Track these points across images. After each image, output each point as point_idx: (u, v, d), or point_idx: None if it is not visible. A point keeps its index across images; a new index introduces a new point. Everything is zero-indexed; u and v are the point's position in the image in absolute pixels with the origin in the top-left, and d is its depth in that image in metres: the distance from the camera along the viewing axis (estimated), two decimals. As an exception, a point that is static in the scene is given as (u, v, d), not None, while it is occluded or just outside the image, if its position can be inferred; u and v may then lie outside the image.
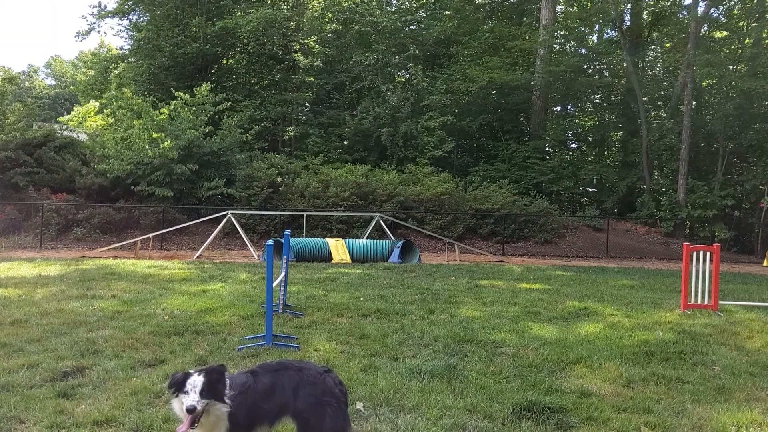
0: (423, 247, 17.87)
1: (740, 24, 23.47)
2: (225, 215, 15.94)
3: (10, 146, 18.55)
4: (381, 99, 23.47)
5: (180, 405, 3.01)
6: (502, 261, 16.22)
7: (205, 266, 12.39)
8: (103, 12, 25.33)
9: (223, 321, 7.00)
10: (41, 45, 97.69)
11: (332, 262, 14.06)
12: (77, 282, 9.67)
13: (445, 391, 4.77)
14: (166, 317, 7.08)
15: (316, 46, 24.93)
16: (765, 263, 18.24)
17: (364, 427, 4.03)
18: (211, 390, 2.99)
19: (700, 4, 22.67)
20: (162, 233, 16.40)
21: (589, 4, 27.15)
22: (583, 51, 27.03)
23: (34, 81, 56.89)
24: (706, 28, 23.63)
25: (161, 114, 18.99)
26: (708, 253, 8.66)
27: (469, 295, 9.58)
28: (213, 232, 16.18)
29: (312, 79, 24.49)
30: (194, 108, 19.55)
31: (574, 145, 28.86)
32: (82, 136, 23.52)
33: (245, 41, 23.13)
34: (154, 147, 17.80)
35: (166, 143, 17.56)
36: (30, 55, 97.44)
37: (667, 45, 26.36)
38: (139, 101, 19.11)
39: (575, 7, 28.61)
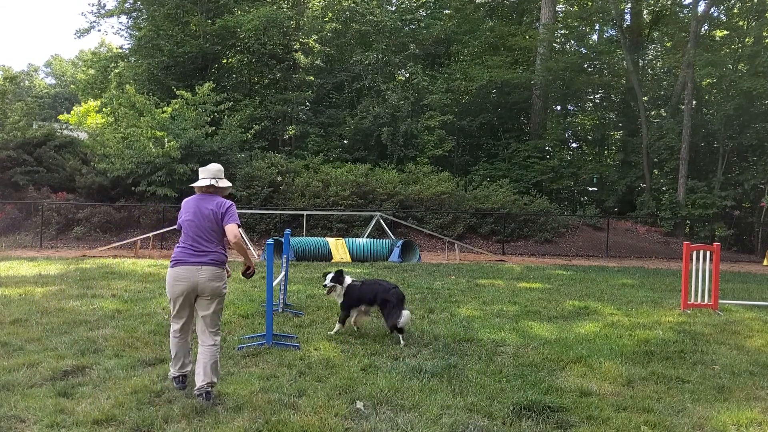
0: (423, 246, 17.87)
1: (740, 23, 23.46)
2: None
3: (10, 145, 18.56)
4: (381, 98, 23.47)
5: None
6: (502, 260, 16.22)
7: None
8: (103, 12, 25.34)
9: (223, 320, 6.98)
10: (41, 44, 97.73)
11: (332, 261, 14.06)
12: (77, 281, 9.67)
13: (445, 390, 4.77)
14: (166, 316, 7.07)
15: (317, 46, 24.91)
16: (765, 262, 18.25)
17: (364, 426, 4.03)
18: (335, 280, 6.54)
19: (701, 3, 22.72)
20: (162, 232, 16.40)
21: (590, 3, 27.12)
22: (583, 50, 27.02)
23: (34, 80, 56.87)
24: (706, 27, 23.63)
25: (163, 113, 18.96)
26: (708, 253, 8.66)
27: (469, 294, 9.58)
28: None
29: (312, 78, 24.47)
30: (197, 107, 19.52)
31: (574, 145, 28.85)
32: (83, 135, 23.49)
33: (245, 40, 23.12)
34: (157, 146, 17.78)
35: (171, 143, 17.55)
36: (30, 54, 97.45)
37: (668, 44, 26.36)
38: (141, 98, 19.07)
39: (575, 6, 28.61)
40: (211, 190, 4.77)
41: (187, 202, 4.79)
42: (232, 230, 4.63)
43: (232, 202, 4.73)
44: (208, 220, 4.66)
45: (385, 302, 6.27)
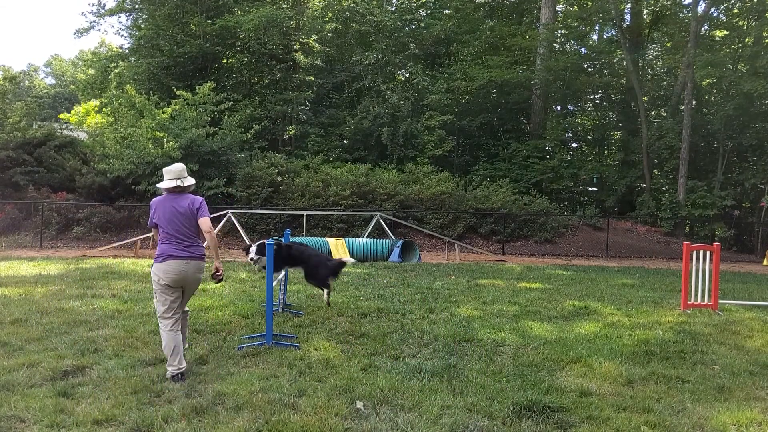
0: (423, 246, 17.87)
1: (740, 23, 23.45)
2: (225, 214, 15.94)
3: (10, 145, 18.55)
4: (381, 98, 23.45)
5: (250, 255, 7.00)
6: (502, 260, 16.22)
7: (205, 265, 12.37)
8: (103, 11, 25.33)
9: (223, 320, 7.00)
10: (41, 44, 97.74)
11: (332, 261, 14.03)
12: (77, 281, 9.67)
13: (445, 390, 4.77)
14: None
15: (316, 45, 24.89)
16: (765, 262, 18.24)
17: (364, 426, 4.03)
18: (259, 252, 6.83)
19: (701, 3, 22.68)
20: (162, 232, 16.38)
21: (590, 3, 27.13)
22: (583, 50, 27.02)
23: (34, 80, 56.88)
24: (706, 27, 23.62)
25: (164, 113, 18.96)
26: (708, 253, 8.66)
27: (469, 294, 9.58)
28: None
29: (312, 78, 24.46)
30: (197, 107, 19.51)
31: (574, 144, 28.84)
32: (83, 135, 23.48)
33: (245, 40, 23.11)
34: (157, 146, 17.76)
35: (170, 143, 17.53)
36: (30, 54, 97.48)
37: (668, 44, 26.34)
38: (141, 98, 19.06)
39: (575, 6, 28.61)
40: (177, 190, 5.12)
41: (160, 202, 5.09)
42: (206, 222, 5.12)
43: (202, 198, 5.21)
44: (186, 217, 5.07)
45: (309, 258, 7.21)
